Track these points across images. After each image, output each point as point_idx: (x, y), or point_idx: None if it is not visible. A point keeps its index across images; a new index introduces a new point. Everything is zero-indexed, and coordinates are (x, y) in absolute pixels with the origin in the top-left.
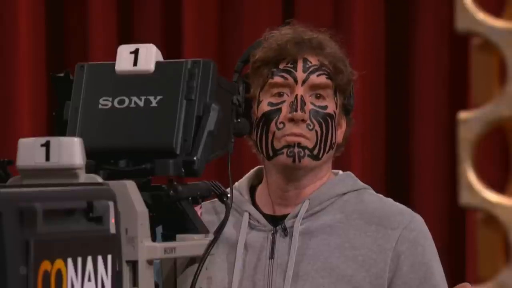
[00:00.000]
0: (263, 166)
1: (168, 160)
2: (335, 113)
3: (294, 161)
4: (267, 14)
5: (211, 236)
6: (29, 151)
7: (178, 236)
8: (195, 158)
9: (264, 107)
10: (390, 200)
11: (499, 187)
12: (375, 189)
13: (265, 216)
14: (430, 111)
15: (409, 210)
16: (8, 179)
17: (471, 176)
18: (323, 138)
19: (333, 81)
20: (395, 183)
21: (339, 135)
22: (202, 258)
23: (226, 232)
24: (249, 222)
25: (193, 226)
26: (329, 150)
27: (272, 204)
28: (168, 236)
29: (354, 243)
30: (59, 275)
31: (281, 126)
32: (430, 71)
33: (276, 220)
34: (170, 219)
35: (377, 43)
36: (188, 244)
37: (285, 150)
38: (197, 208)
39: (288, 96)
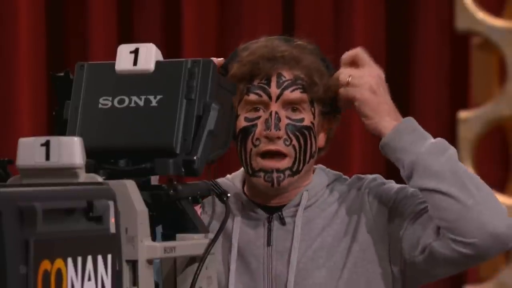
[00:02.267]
0: None
1: (168, 159)
2: (312, 124)
3: (272, 185)
4: (266, 13)
5: (211, 236)
6: (29, 151)
7: (178, 235)
8: (195, 158)
9: (241, 122)
10: (361, 175)
11: (499, 186)
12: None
13: (259, 206)
14: (431, 110)
15: (373, 175)
16: (8, 178)
17: None
18: (302, 151)
19: (308, 94)
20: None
21: (321, 139)
22: (202, 258)
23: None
24: (243, 211)
25: (193, 225)
26: (309, 160)
27: (263, 196)
28: (168, 236)
29: (350, 227)
30: (59, 275)
31: (257, 143)
32: (431, 71)
33: (269, 210)
34: (170, 218)
35: (378, 42)
36: (188, 244)
37: (262, 175)
38: (197, 208)
39: (263, 111)
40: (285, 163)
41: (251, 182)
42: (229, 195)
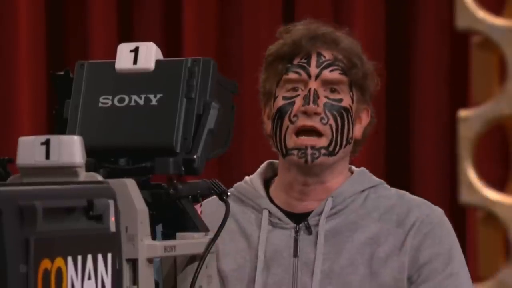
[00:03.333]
0: (275, 160)
1: (168, 158)
2: (351, 107)
3: (306, 162)
4: (267, 12)
5: (211, 235)
6: (29, 150)
7: (178, 234)
8: (195, 157)
9: (279, 101)
10: (407, 194)
11: (499, 186)
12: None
13: (285, 213)
14: (431, 109)
15: (427, 203)
16: (8, 177)
17: (471, 175)
18: (339, 132)
19: (347, 76)
20: (395, 181)
21: (358, 130)
22: (202, 257)
23: (247, 230)
24: (269, 220)
25: (193, 224)
26: (346, 145)
27: (289, 200)
28: (168, 235)
29: (376, 240)
30: (59, 273)
31: (294, 119)
32: (430, 70)
33: (296, 218)
34: (170, 217)
35: (377, 42)
36: (188, 243)
37: (295, 152)
38: (197, 207)
39: (302, 90)
40: (321, 142)
41: (287, 167)
42: (229, 193)
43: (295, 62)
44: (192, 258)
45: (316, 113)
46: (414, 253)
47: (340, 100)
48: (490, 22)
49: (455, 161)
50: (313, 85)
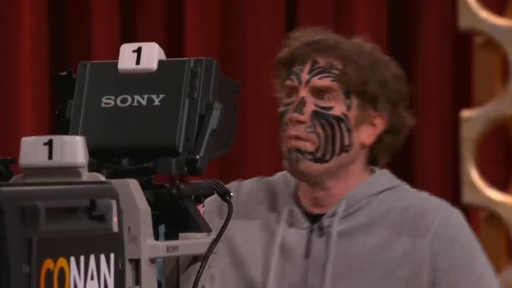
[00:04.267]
0: None
1: (171, 159)
2: (345, 115)
3: (291, 165)
4: (269, 13)
5: (213, 235)
6: (32, 150)
7: (180, 234)
8: (197, 157)
9: (280, 107)
10: (425, 195)
11: (502, 186)
12: None
13: (306, 213)
14: (434, 109)
15: (445, 205)
16: (11, 177)
17: (474, 175)
18: (329, 140)
19: (341, 83)
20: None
21: (367, 137)
22: (205, 257)
23: (269, 220)
24: (288, 217)
25: (195, 224)
26: (340, 152)
27: (310, 202)
28: (171, 235)
29: (391, 243)
30: (62, 274)
31: (285, 127)
32: (433, 70)
33: (313, 219)
34: (173, 217)
35: (380, 42)
36: (191, 243)
37: (286, 156)
38: (199, 207)
39: (296, 97)
40: (306, 145)
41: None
42: (232, 194)
43: (294, 68)
44: (194, 258)
45: (300, 121)
46: (434, 259)
47: (330, 108)
48: (493, 22)
49: (458, 162)
50: (303, 92)
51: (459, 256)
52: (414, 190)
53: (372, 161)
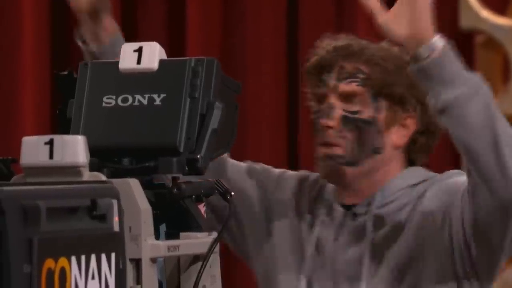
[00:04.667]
0: None
1: (172, 158)
2: (373, 118)
3: (323, 171)
4: (270, 12)
5: (214, 235)
6: (33, 149)
7: (181, 234)
8: (198, 156)
9: (312, 114)
10: (453, 180)
11: None
12: None
13: (340, 204)
14: None
15: (449, 175)
16: (12, 177)
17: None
18: (358, 143)
19: (368, 87)
20: None
21: (399, 138)
22: (205, 256)
23: (303, 209)
24: (326, 206)
25: (196, 224)
26: (372, 155)
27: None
28: (172, 234)
29: (416, 231)
30: (63, 273)
31: (316, 133)
32: None
33: (347, 208)
34: (174, 217)
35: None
36: (192, 242)
37: (321, 163)
38: (200, 206)
39: (325, 104)
40: (336, 150)
41: None
42: (232, 193)
43: (322, 76)
44: (195, 258)
45: (329, 127)
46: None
47: (357, 112)
48: (494, 22)
49: (459, 163)
50: (332, 98)
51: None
52: (446, 179)
53: (411, 163)
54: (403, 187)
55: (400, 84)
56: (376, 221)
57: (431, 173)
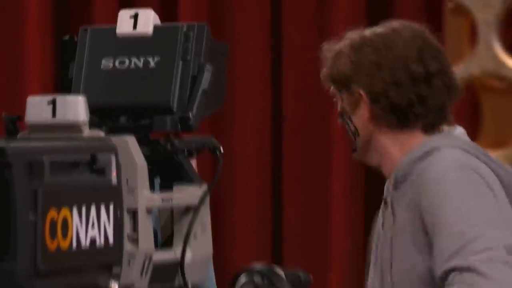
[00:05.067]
0: None
1: (166, 116)
2: (343, 108)
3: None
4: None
5: (204, 187)
6: (37, 108)
7: (174, 186)
8: (190, 115)
9: None
10: (435, 154)
11: None
12: (370, 189)
13: None
14: None
15: (438, 159)
16: (17, 133)
17: None
18: (349, 135)
19: (331, 82)
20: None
21: (362, 114)
22: (197, 207)
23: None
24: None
25: (188, 177)
26: (355, 137)
27: None
28: (166, 187)
29: (410, 205)
30: (65, 222)
31: None
32: None
33: None
34: (167, 171)
35: (357, 6)
36: (184, 194)
37: None
38: (193, 162)
39: None
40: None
41: None
42: (222, 150)
43: None
44: (187, 209)
45: None
46: (418, 209)
47: (341, 112)
48: None
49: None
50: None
51: (431, 203)
52: (446, 150)
53: (427, 126)
54: (411, 162)
55: (334, 70)
56: (395, 203)
57: (433, 145)
